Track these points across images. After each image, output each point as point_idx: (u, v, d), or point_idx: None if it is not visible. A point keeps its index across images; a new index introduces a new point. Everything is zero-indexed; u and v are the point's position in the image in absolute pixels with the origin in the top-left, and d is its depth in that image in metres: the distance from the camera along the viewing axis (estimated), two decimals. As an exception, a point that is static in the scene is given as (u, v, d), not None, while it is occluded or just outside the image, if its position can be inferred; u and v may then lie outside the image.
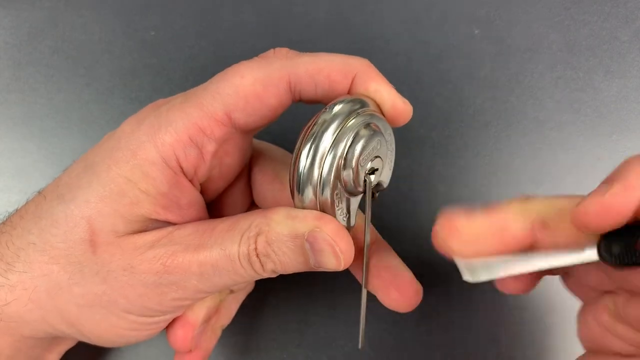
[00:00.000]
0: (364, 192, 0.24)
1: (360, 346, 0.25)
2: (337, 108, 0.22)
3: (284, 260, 0.22)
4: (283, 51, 0.25)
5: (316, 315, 0.32)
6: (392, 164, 0.26)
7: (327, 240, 0.21)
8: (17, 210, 0.24)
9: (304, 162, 0.22)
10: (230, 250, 0.22)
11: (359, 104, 0.23)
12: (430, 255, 0.30)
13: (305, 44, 0.37)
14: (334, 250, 0.21)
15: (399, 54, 0.36)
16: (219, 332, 0.29)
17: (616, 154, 0.34)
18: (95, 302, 0.22)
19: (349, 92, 0.24)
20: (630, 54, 0.36)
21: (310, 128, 0.22)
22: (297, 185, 0.22)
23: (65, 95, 0.36)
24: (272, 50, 0.25)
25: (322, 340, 0.32)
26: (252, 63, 0.23)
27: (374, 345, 0.32)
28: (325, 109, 0.22)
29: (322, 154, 0.21)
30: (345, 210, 0.23)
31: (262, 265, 0.22)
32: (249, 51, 0.37)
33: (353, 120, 0.22)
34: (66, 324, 0.23)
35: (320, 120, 0.22)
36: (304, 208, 0.22)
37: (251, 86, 0.23)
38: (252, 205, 0.29)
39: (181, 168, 0.23)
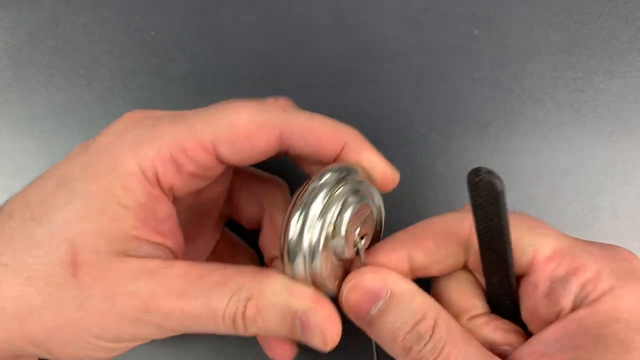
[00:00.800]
0: (357, 255, 0.24)
1: None
2: (326, 176, 0.23)
3: (270, 328, 0.22)
4: (282, 102, 0.26)
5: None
6: (383, 225, 0.27)
7: (319, 325, 0.21)
8: None
9: (293, 230, 0.22)
10: (217, 307, 0.21)
11: (346, 171, 0.23)
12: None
13: (305, 44, 0.37)
14: (324, 334, 0.21)
15: (399, 54, 0.36)
16: None
17: (616, 154, 0.34)
18: (67, 326, 0.22)
19: (337, 158, 0.25)
20: (630, 54, 0.36)
21: (300, 195, 0.22)
22: (287, 253, 0.22)
23: (66, 95, 0.36)
24: (273, 99, 0.26)
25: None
26: (250, 104, 0.24)
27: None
28: (315, 177, 0.23)
29: (311, 222, 0.22)
30: (334, 277, 0.24)
31: (246, 328, 0.22)
32: (249, 51, 0.37)
33: (341, 188, 0.23)
34: (32, 345, 0.22)
35: (309, 188, 0.22)
36: (294, 276, 0.22)
37: (245, 125, 0.23)
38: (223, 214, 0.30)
39: (158, 182, 0.23)
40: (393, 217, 0.33)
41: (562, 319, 0.22)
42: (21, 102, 0.36)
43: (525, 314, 0.24)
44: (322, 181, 0.23)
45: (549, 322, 0.23)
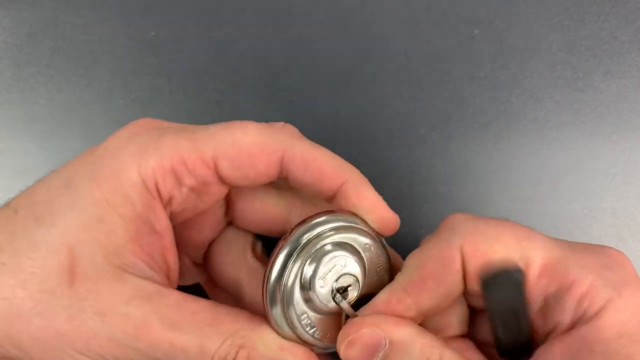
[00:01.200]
0: (341, 307, 0.24)
1: None
2: (313, 221, 0.23)
3: None
4: (291, 129, 0.25)
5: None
6: (386, 275, 0.26)
7: None
8: None
9: (270, 278, 0.23)
10: (208, 347, 0.22)
11: (327, 221, 0.24)
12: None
13: (305, 44, 0.37)
14: None
15: (399, 54, 0.36)
16: None
17: (616, 154, 0.34)
18: (52, 337, 0.21)
19: (336, 195, 0.24)
20: (630, 54, 0.36)
21: (283, 240, 0.23)
22: (266, 299, 0.23)
23: (66, 95, 0.36)
24: (282, 123, 0.25)
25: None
26: (259, 126, 0.24)
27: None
28: (303, 222, 0.23)
29: (287, 273, 0.23)
30: (318, 330, 0.24)
31: None
32: (249, 51, 0.37)
33: (324, 235, 0.23)
34: (15, 349, 0.22)
35: (293, 234, 0.23)
36: (275, 322, 0.23)
37: (249, 144, 0.23)
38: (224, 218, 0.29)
39: (159, 193, 0.23)
40: (393, 217, 0.34)
41: (566, 336, 0.22)
42: (21, 102, 0.36)
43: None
44: (307, 225, 0.23)
45: (547, 333, 0.23)
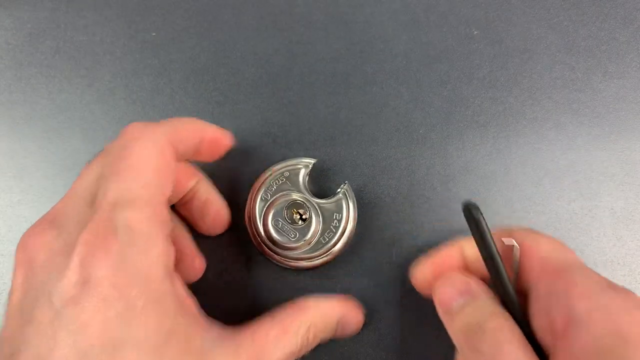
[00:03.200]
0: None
1: None
2: (264, 189, 0.33)
3: (325, 337, 0.29)
4: (138, 125, 0.27)
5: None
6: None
7: (353, 319, 0.30)
8: None
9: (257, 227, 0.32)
10: (293, 350, 0.27)
11: (278, 180, 0.33)
12: (430, 255, 0.30)
13: (305, 44, 0.37)
14: (358, 323, 0.30)
15: (399, 55, 0.37)
16: None
17: (614, 154, 0.35)
18: None
19: (202, 144, 0.29)
20: (629, 54, 0.36)
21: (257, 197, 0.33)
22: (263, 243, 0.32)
23: (67, 95, 0.36)
24: (123, 131, 0.27)
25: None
26: (140, 142, 0.26)
27: (374, 344, 0.32)
28: (256, 192, 0.33)
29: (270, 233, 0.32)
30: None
31: (308, 348, 0.28)
32: (249, 52, 0.37)
33: (274, 197, 0.32)
34: None
35: (254, 205, 0.33)
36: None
37: (157, 160, 0.25)
38: None
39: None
40: (392, 217, 0.34)
41: (567, 339, 0.22)
42: (22, 103, 0.36)
43: (537, 330, 0.24)
44: (260, 196, 0.32)
45: (550, 333, 0.23)
